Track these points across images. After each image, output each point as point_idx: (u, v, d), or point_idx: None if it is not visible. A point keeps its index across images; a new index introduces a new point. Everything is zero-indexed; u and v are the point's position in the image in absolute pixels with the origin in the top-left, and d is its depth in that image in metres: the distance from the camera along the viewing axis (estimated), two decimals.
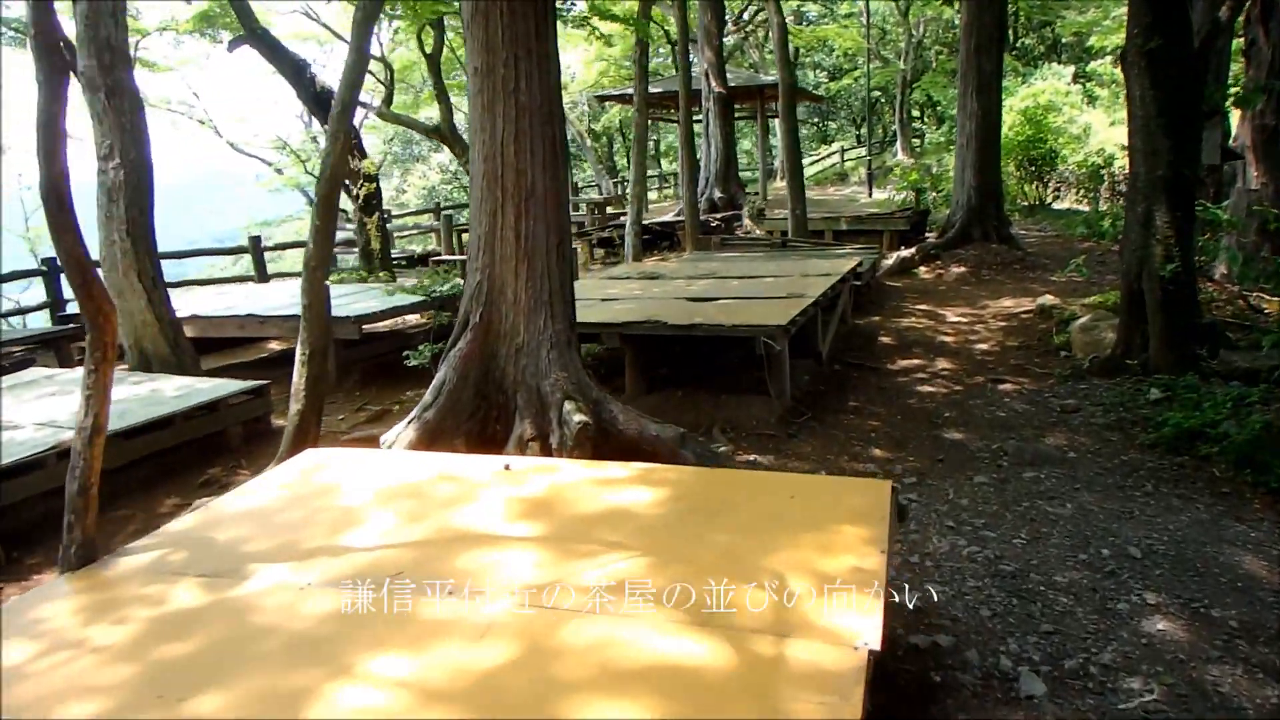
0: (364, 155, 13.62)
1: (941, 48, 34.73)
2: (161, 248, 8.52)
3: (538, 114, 5.12)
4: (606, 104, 33.62)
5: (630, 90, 26.29)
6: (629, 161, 33.00)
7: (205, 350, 9.56)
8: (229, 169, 35.81)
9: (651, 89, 25.29)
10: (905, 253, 13.65)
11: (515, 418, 5.10)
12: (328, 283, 6.00)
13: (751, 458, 5.88)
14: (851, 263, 9.43)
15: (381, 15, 20.31)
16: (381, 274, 13.37)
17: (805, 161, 41.27)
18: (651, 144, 39.74)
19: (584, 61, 32.25)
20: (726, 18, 28.77)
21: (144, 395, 6.75)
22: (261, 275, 16.19)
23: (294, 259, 24.29)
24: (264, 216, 33.62)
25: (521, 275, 5.15)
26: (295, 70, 13.65)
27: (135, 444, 6.05)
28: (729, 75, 23.64)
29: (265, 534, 3.30)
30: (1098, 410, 6.48)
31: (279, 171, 31.23)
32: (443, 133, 18.75)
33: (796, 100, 26.01)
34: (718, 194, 19.91)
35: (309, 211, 33.97)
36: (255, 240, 16.13)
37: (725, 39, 28.11)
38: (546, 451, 4.94)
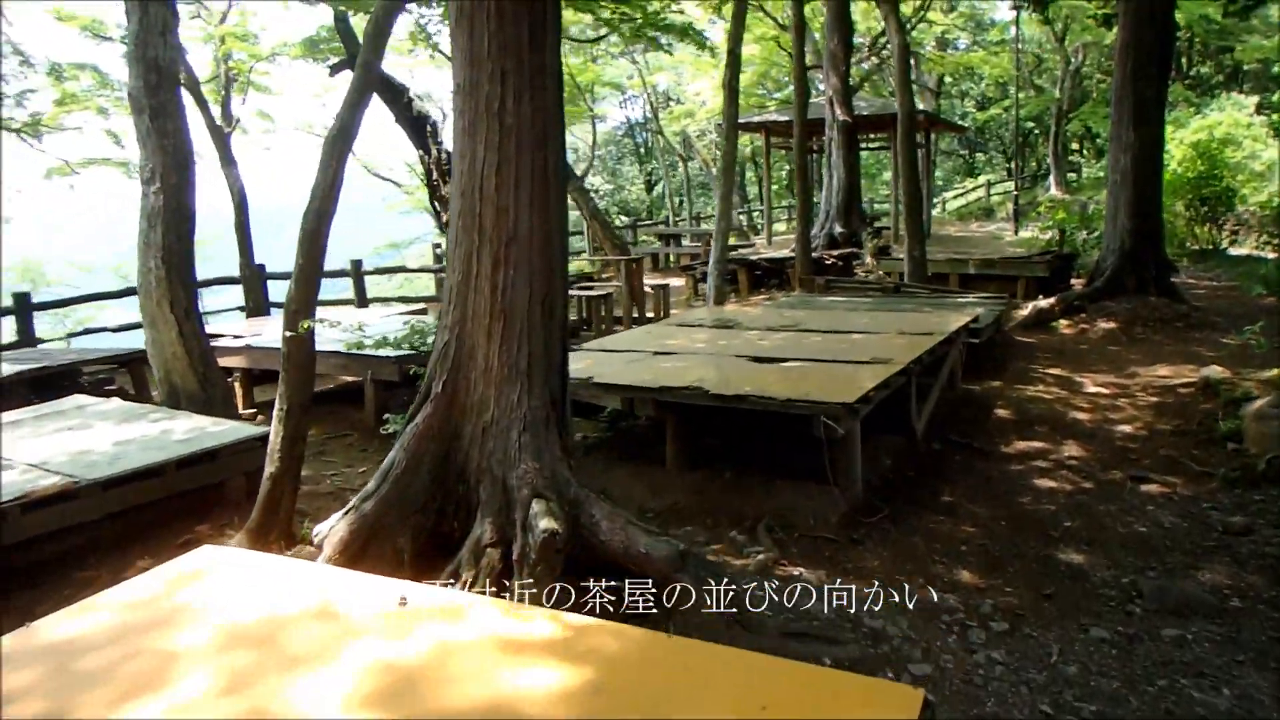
0: None
1: (1103, 76, 32.19)
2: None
3: (527, 139, 4.05)
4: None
5: (756, 118, 25.23)
6: (761, 192, 31.64)
7: (263, 381, 8.98)
8: (365, 192, 36.39)
9: (774, 116, 24.14)
10: (1043, 303, 11.93)
11: (477, 515, 3.98)
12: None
13: (797, 571, 4.58)
14: (964, 319, 7.94)
15: None
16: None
17: (949, 195, 39.21)
18: (783, 174, 38.45)
19: (714, 87, 31.25)
20: (861, 41, 27.32)
21: (150, 437, 6.05)
22: (361, 300, 15.76)
23: (409, 284, 24.11)
24: (396, 238, 33.86)
25: (496, 336, 4.04)
26: (394, 94, 13.11)
27: (116, 496, 5.29)
28: (863, 103, 22.18)
29: (40, 692, 2.44)
30: (1277, 535, 4.88)
31: (408, 194, 31.46)
32: None
33: (917, 128, 24.21)
34: (838, 229, 18.43)
35: (436, 234, 34.18)
36: (356, 264, 15.71)
37: (861, 64, 26.64)
38: (506, 562, 3.81)
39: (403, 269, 16.63)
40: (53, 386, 8.95)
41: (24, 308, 12.42)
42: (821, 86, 20.06)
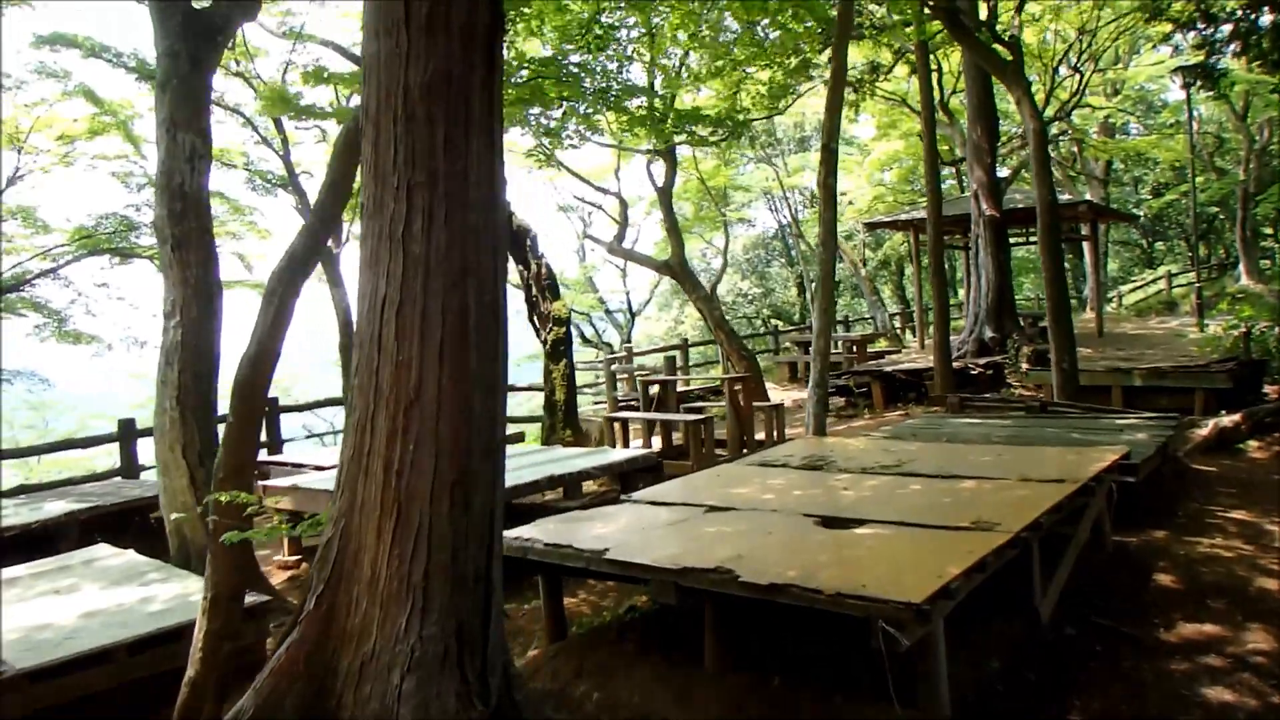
0: (556, 296, 12.25)
1: None
2: None
3: (439, 272, 3.14)
4: (884, 230, 31.27)
5: (903, 215, 23.95)
6: (912, 293, 29.97)
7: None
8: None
9: (922, 214, 22.78)
10: (1226, 420, 10.04)
11: None
12: None
13: None
14: (1111, 456, 6.42)
15: (619, 150, 19.56)
16: (565, 431, 11.80)
17: (1125, 288, 36.21)
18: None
19: (859, 184, 30.15)
20: (1015, 130, 25.78)
21: (124, 607, 5.40)
22: None
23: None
24: (529, 350, 33.97)
25: (387, 535, 3.07)
26: None
27: (50, 689, 4.59)
28: (1018, 195, 20.56)
29: None
30: None
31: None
32: (674, 269, 17.33)
33: (1080, 219, 22.34)
34: (988, 333, 16.77)
35: (578, 343, 34.02)
36: None
37: (1019, 152, 24.99)
38: None
39: (512, 388, 16.03)
40: (110, 528, 8.59)
41: (128, 434, 12.44)
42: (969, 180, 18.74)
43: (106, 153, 14.47)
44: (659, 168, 17.35)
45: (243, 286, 18.19)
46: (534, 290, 12.25)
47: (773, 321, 37.40)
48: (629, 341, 33.11)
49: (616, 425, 11.20)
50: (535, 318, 12.34)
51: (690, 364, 23.40)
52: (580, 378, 22.59)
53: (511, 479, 7.39)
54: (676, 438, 11.50)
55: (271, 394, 17.76)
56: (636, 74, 16.68)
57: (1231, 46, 14.29)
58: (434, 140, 3.11)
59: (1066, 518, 5.55)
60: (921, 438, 8.66)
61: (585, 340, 33.73)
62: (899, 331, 30.66)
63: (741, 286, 41.21)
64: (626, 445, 11.26)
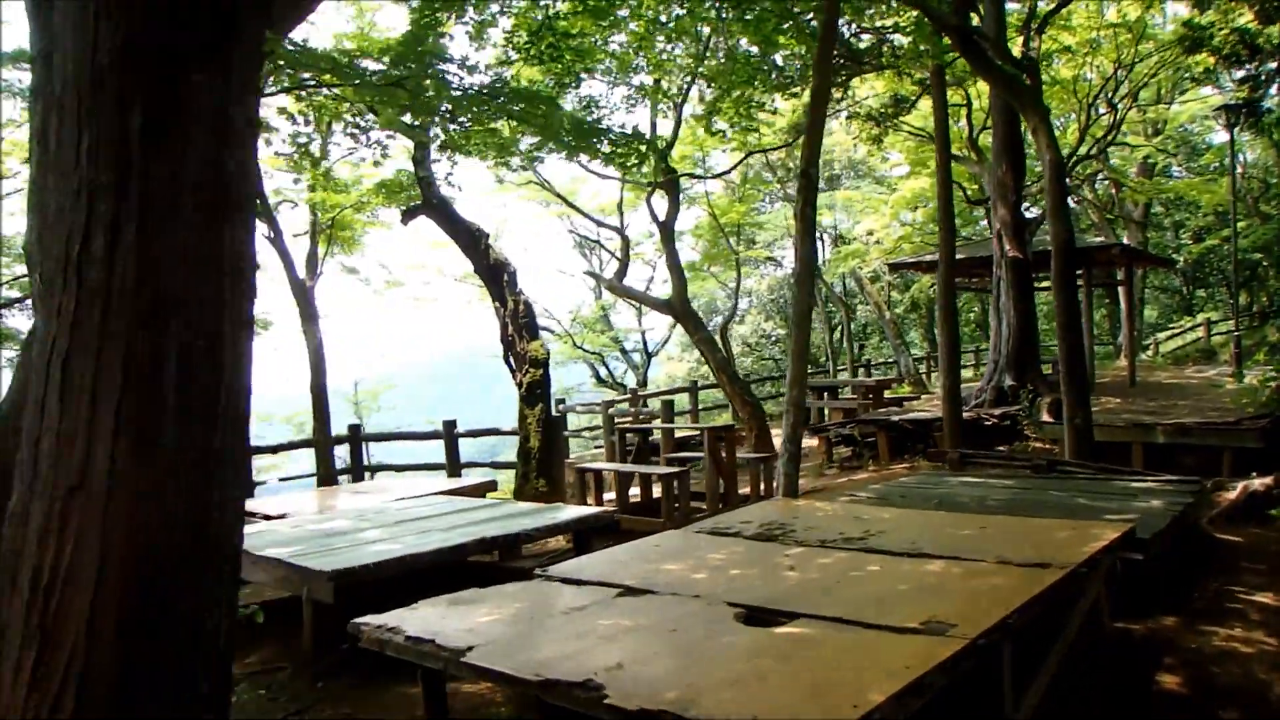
0: (534, 335, 11.52)
1: None
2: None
3: (122, 308, 2.31)
4: (912, 272, 30.31)
5: (929, 256, 23.03)
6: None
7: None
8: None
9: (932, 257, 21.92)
10: (1256, 484, 9.03)
11: None
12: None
13: None
14: (1111, 534, 5.51)
15: (623, 184, 18.93)
16: (539, 481, 11.02)
17: (1163, 335, 34.87)
18: (971, 314, 35.63)
19: (890, 217, 29.17)
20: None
21: None
22: (453, 467, 14.52)
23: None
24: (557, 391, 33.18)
25: (26, 673, 2.22)
26: (471, 240, 12.06)
27: None
28: (1048, 237, 19.63)
29: None
30: None
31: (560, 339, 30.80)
32: (675, 308, 16.59)
33: (1114, 264, 21.29)
34: (1008, 381, 15.79)
35: (592, 384, 33.26)
36: (449, 426, 14.57)
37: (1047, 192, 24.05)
38: None
39: (496, 431, 15.36)
40: None
41: None
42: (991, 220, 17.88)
43: None
44: (663, 204, 16.70)
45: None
46: (509, 329, 11.56)
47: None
48: (645, 383, 32.34)
49: (589, 476, 10.38)
50: (511, 358, 11.63)
51: (700, 408, 22.55)
52: (584, 420, 21.79)
53: (438, 540, 6.64)
54: (659, 490, 10.68)
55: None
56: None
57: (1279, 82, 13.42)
58: (128, 127, 2.32)
59: (1051, 609, 4.66)
60: (909, 499, 7.78)
61: (600, 381, 33.00)
62: (924, 376, 29.61)
63: (765, 327, 40.36)
64: (600, 499, 10.44)
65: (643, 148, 12.44)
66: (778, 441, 18.13)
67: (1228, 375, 21.12)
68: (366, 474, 15.59)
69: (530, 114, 9.84)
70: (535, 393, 11.35)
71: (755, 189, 27.56)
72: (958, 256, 21.49)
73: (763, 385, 31.40)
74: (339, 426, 27.63)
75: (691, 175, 16.51)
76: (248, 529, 8.29)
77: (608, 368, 32.57)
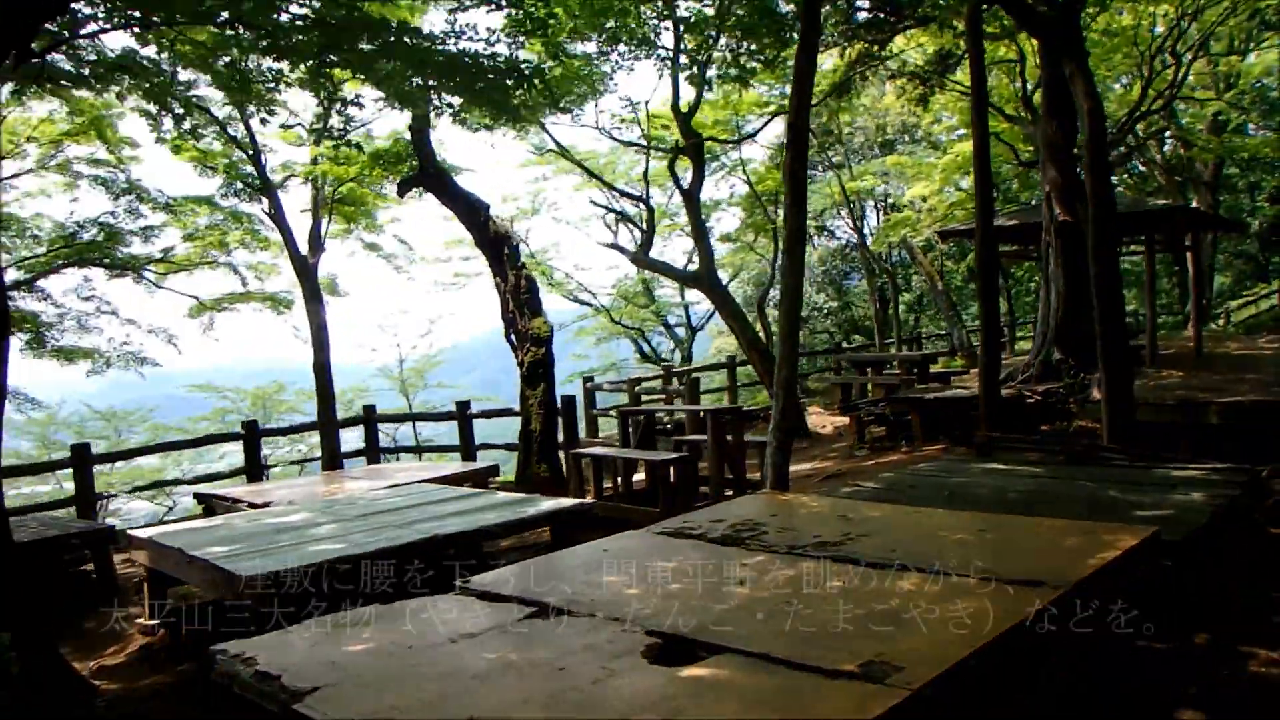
0: (537, 312, 10.90)
1: None
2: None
3: None
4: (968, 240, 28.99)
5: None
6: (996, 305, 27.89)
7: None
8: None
9: (1000, 221, 20.80)
10: None
11: None
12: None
13: None
14: (1127, 542, 4.69)
15: (649, 151, 18.11)
16: (540, 466, 10.42)
17: (1235, 304, 33.03)
18: (1030, 284, 34.13)
19: (940, 182, 27.82)
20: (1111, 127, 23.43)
21: None
22: (467, 449, 14.02)
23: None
24: (592, 365, 32.54)
25: None
26: (470, 211, 11.45)
27: None
28: None
29: None
30: None
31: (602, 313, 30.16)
32: (701, 281, 15.84)
33: (1179, 230, 19.93)
34: (1056, 355, 14.77)
35: (635, 360, 32.59)
36: (462, 407, 14.09)
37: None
38: None
39: (510, 412, 14.83)
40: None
41: (83, 460, 11.57)
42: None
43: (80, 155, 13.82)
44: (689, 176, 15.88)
45: (254, 300, 17.38)
46: (510, 305, 10.94)
47: (854, 338, 35.27)
48: (690, 359, 31.58)
49: (586, 463, 9.75)
50: (513, 335, 11.02)
51: (739, 385, 21.78)
52: (612, 400, 21.15)
53: (385, 539, 6.08)
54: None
55: (254, 417, 16.73)
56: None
57: None
58: None
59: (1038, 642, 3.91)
60: (919, 490, 7.00)
61: (644, 357, 32.33)
62: (979, 350, 28.39)
63: (817, 300, 39.24)
64: (601, 486, 9.79)
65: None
66: (813, 420, 17.38)
67: None
68: (386, 457, 15.21)
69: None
70: (537, 372, 10.73)
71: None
72: (1010, 223, 20.37)
73: (814, 360, 30.47)
74: (385, 405, 27.44)
75: (714, 140, 15.64)
76: (200, 524, 7.86)
77: (649, 343, 31.86)
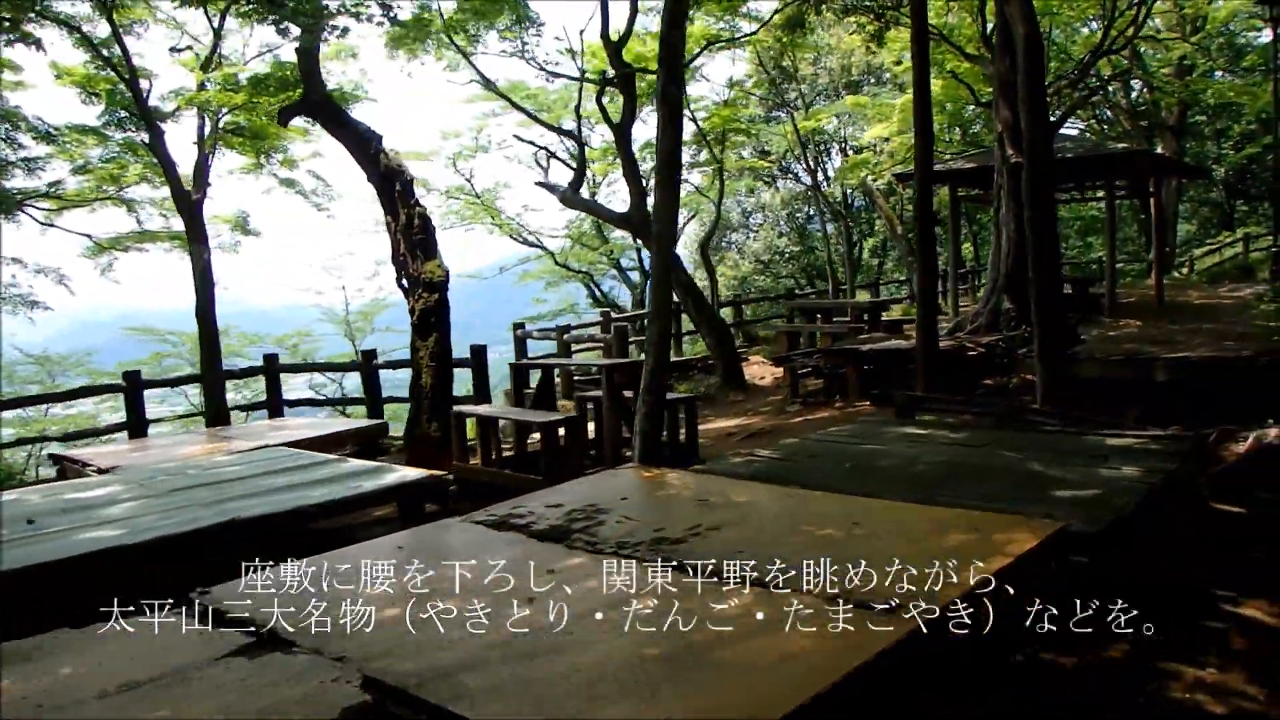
0: (431, 255, 9.84)
1: None
2: None
3: None
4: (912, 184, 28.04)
5: (938, 166, 20.87)
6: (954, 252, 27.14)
7: None
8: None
9: (961, 164, 19.89)
10: (1272, 433, 7.27)
11: None
12: None
13: None
14: (1023, 543, 3.81)
15: (582, 82, 16.95)
16: (430, 425, 9.44)
17: (1199, 251, 32.37)
18: (986, 232, 33.31)
19: (898, 123, 26.77)
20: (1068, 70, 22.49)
21: None
22: (373, 404, 13.03)
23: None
24: (541, 310, 31.32)
25: None
26: (360, 143, 10.32)
27: None
28: (1066, 144, 17.43)
29: None
30: None
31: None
32: (633, 222, 14.80)
33: (1142, 175, 19.09)
34: (1006, 304, 13.94)
35: (589, 304, 31.49)
36: (368, 356, 13.06)
37: (1066, 94, 21.64)
38: None
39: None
40: None
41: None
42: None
43: None
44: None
45: (162, 240, 16.13)
46: (402, 247, 9.86)
47: (818, 283, 34.31)
48: (642, 303, 30.52)
49: (469, 423, 8.79)
50: (404, 279, 9.96)
51: (683, 332, 20.81)
52: (544, 348, 20.15)
53: (173, 524, 5.13)
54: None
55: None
56: None
57: None
58: None
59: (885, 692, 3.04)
60: (818, 461, 6.14)
61: (596, 302, 31.21)
62: (940, 297, 27.54)
63: (778, 244, 38.20)
64: (498, 449, 8.84)
65: None
66: (753, 371, 16.49)
67: (1264, 294, 19.06)
68: (290, 411, 14.19)
69: None
70: (429, 321, 9.68)
71: (752, 94, 25.33)
72: (969, 166, 19.43)
73: (767, 307, 29.61)
74: (332, 350, 26.22)
75: (646, 70, 14.50)
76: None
77: (599, 289, 30.73)
